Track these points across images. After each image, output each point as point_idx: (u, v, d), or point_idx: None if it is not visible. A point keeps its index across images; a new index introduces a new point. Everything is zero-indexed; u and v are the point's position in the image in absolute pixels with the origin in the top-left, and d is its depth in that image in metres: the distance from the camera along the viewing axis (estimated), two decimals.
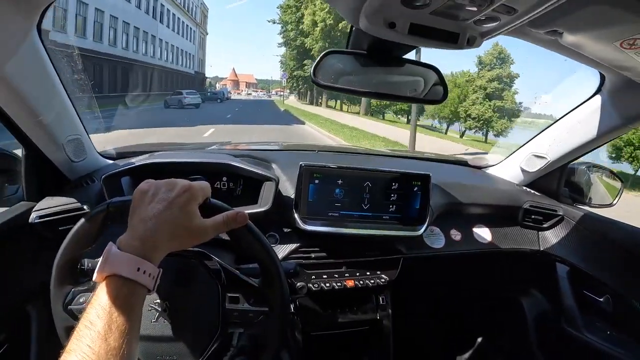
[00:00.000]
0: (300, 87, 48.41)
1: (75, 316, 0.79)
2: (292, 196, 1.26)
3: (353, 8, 0.72)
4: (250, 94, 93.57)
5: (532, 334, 1.59)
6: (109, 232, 0.81)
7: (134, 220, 0.63)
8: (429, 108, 25.43)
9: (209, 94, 42.42)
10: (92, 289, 0.79)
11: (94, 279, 0.58)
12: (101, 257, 0.58)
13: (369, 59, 0.96)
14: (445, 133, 26.30)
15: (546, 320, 1.56)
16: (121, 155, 1.52)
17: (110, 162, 1.45)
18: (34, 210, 1.16)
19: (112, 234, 0.95)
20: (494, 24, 0.69)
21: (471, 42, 0.75)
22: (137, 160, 1.28)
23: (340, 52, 0.97)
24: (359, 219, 1.26)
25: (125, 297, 0.56)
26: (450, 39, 0.73)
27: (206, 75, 65.97)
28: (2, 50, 0.83)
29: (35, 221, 1.14)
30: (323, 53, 0.93)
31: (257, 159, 1.45)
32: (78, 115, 1.23)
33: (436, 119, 29.63)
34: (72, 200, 1.21)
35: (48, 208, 1.17)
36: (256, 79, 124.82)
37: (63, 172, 1.26)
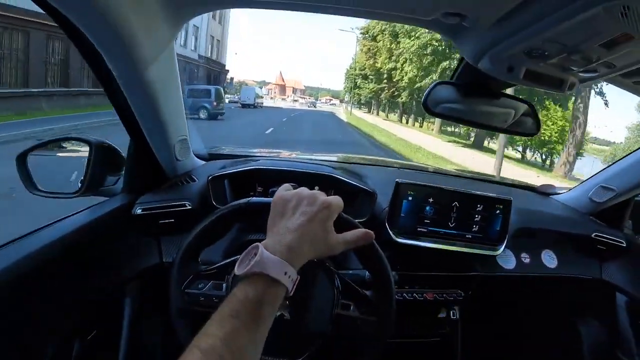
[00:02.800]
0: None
1: (191, 299, 0.87)
2: (385, 210, 1.35)
3: (478, 52, 0.87)
4: (296, 100, 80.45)
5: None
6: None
7: (280, 228, 0.68)
8: None
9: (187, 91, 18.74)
10: (212, 277, 0.89)
11: (237, 272, 0.62)
12: (246, 255, 0.63)
13: (470, 91, 1.10)
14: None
15: (602, 348, 1.61)
16: (213, 156, 1.63)
17: (203, 162, 1.55)
18: (137, 202, 1.25)
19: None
20: (594, 74, 0.83)
21: (571, 87, 0.88)
22: (243, 166, 1.40)
23: (446, 83, 1.13)
24: (444, 235, 1.35)
25: (271, 295, 0.60)
26: (556, 85, 0.86)
27: (227, 68, 42.07)
28: (146, 53, 0.92)
29: (139, 212, 1.23)
30: (434, 83, 1.08)
31: (350, 172, 1.55)
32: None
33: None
34: (174, 196, 1.30)
35: (151, 202, 1.26)
36: (304, 86, 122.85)
37: (165, 169, 1.34)
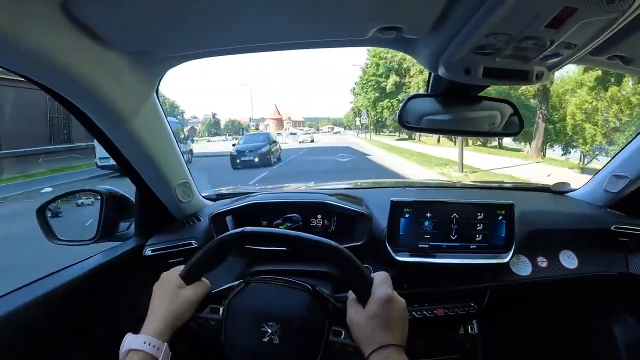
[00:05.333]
0: None
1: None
2: (385, 230, 1.33)
3: (432, 59, 0.88)
4: (294, 133, 60.10)
5: None
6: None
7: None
8: None
9: None
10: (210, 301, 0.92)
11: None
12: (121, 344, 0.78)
13: (448, 99, 1.09)
14: None
15: (638, 346, 1.50)
16: (220, 196, 1.70)
17: (211, 203, 1.62)
18: (147, 244, 1.33)
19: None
20: (558, 58, 0.81)
21: (539, 77, 0.87)
22: (241, 202, 1.45)
23: (422, 95, 1.12)
24: (447, 249, 1.32)
25: None
26: (521, 77, 0.85)
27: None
28: (128, 110, 1.00)
29: (149, 254, 1.31)
30: (407, 97, 1.08)
31: (349, 197, 1.56)
32: (185, 162, 1.40)
33: None
34: (181, 236, 1.38)
35: (160, 243, 1.34)
36: (303, 117, 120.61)
37: (171, 211, 1.43)
